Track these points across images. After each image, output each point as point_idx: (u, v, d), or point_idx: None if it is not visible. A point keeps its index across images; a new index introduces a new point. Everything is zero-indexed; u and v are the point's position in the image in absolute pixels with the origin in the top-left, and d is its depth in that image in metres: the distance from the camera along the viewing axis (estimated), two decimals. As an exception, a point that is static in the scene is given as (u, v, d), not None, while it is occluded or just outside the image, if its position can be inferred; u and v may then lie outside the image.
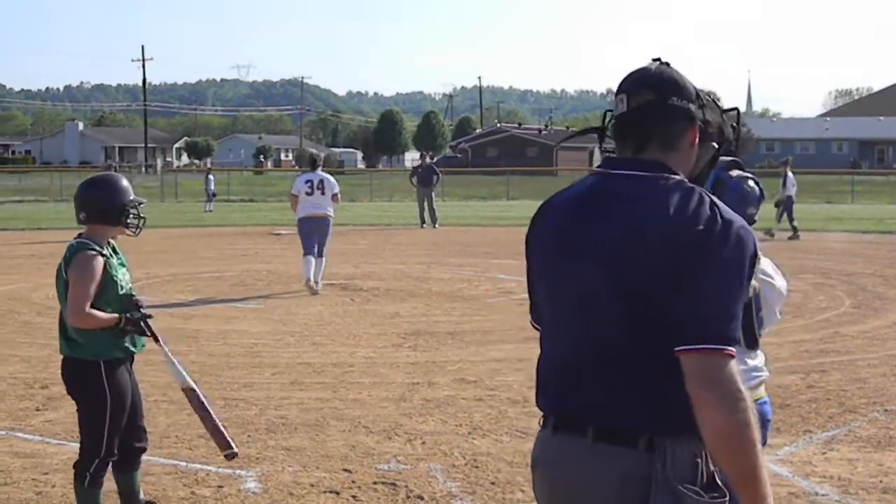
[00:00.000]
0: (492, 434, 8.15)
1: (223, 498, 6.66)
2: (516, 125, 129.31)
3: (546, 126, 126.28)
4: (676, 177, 2.86)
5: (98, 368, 5.70)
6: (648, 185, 2.85)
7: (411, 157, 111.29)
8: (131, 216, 5.87)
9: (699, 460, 2.77)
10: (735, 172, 4.55)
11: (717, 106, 3.03)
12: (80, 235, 5.90)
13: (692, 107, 2.91)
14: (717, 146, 3.04)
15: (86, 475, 5.77)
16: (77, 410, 5.99)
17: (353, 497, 6.66)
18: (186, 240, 28.48)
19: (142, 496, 6.14)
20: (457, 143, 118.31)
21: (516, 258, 21.50)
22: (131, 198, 5.88)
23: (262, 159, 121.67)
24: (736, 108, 3.18)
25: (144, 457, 7.50)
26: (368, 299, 15.73)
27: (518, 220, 36.65)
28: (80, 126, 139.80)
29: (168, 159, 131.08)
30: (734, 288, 2.70)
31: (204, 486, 6.88)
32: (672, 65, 3.00)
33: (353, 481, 6.93)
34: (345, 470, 7.20)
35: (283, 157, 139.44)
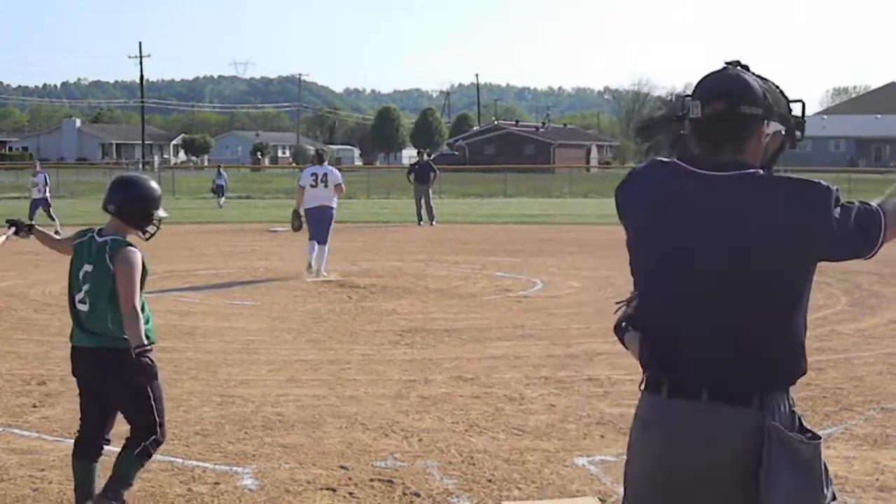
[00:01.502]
0: (488, 431, 8.15)
1: (219, 495, 6.66)
2: (514, 122, 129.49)
3: (543, 124, 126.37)
4: (755, 171, 3.26)
5: (123, 355, 5.89)
6: (738, 184, 3.24)
7: (409, 155, 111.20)
8: (151, 227, 6.18)
9: (795, 409, 3.28)
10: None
11: (784, 98, 3.37)
12: (101, 231, 6.09)
13: (760, 111, 3.27)
14: (784, 135, 3.39)
15: (140, 445, 6.02)
16: (117, 404, 6.18)
17: (350, 494, 6.66)
18: (183, 236, 28.45)
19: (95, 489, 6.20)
20: (454, 140, 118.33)
21: (513, 255, 21.53)
22: (160, 212, 6.18)
23: (260, 156, 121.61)
24: (801, 100, 3.43)
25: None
26: (365, 296, 15.73)
27: (515, 217, 36.68)
28: (78, 123, 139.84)
29: (165, 156, 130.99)
30: (854, 210, 3.22)
31: (200, 483, 6.88)
32: (743, 65, 3.36)
33: (350, 478, 6.94)
34: (341, 467, 7.21)
35: (280, 154, 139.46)
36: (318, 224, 18.10)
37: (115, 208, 6.05)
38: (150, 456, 6.13)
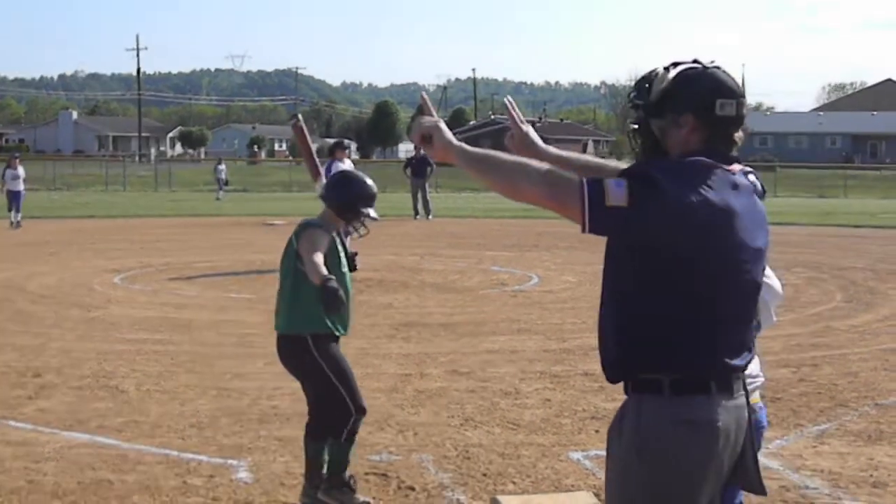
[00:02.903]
0: (484, 425, 8.16)
1: (215, 487, 6.66)
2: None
3: (540, 118, 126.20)
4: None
5: (306, 343, 6.10)
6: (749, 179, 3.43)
7: (405, 149, 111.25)
8: (359, 221, 6.36)
9: None
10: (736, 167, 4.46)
11: None
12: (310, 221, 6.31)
13: None
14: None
15: (342, 432, 6.16)
16: (303, 390, 6.38)
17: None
18: (180, 229, 28.47)
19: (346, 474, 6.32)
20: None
21: (510, 250, 21.54)
22: (369, 212, 6.38)
23: (257, 149, 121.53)
24: None
25: (136, 445, 7.53)
26: (361, 290, 15.71)
27: (512, 211, 36.65)
28: (74, 115, 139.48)
29: (162, 149, 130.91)
30: None
31: (195, 476, 6.88)
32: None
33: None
34: (337, 460, 7.20)
35: (277, 147, 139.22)
36: None
37: (328, 197, 6.34)
38: (354, 435, 6.23)
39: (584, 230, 3.17)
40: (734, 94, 3.37)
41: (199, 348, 11.11)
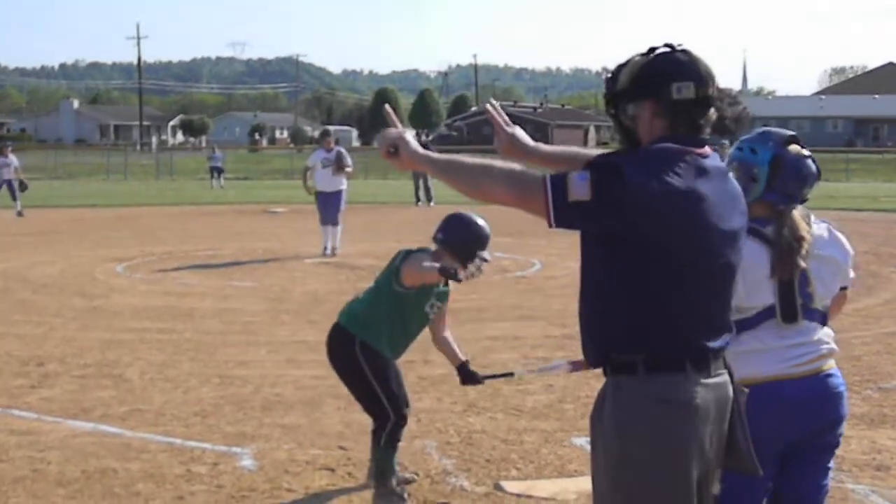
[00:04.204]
0: (487, 412, 8.17)
1: (219, 475, 6.67)
2: (512, 103, 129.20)
3: (541, 104, 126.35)
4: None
5: (353, 341, 6.17)
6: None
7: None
8: (473, 265, 6.14)
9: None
10: (793, 148, 4.23)
11: None
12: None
13: None
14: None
15: (381, 435, 6.13)
16: (347, 387, 6.39)
17: (349, 474, 6.68)
18: (182, 218, 28.47)
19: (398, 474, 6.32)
20: (452, 121, 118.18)
21: (511, 236, 21.56)
22: (484, 255, 6.20)
23: (258, 137, 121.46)
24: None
25: (139, 434, 7.55)
26: (364, 277, 15.69)
27: (513, 198, 36.64)
28: (76, 104, 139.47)
29: (163, 137, 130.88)
30: None
31: (199, 464, 6.89)
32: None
33: (349, 458, 6.95)
34: (340, 447, 7.22)
35: (278, 134, 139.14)
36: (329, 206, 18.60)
37: (443, 237, 6.25)
38: (395, 441, 6.18)
39: (549, 225, 3.23)
40: (691, 76, 3.33)
41: (202, 336, 11.12)
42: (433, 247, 6.27)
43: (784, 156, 4.14)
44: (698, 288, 3.31)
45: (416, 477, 6.52)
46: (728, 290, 3.42)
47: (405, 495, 6.17)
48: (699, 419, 3.32)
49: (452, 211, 6.44)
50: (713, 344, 3.35)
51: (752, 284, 3.97)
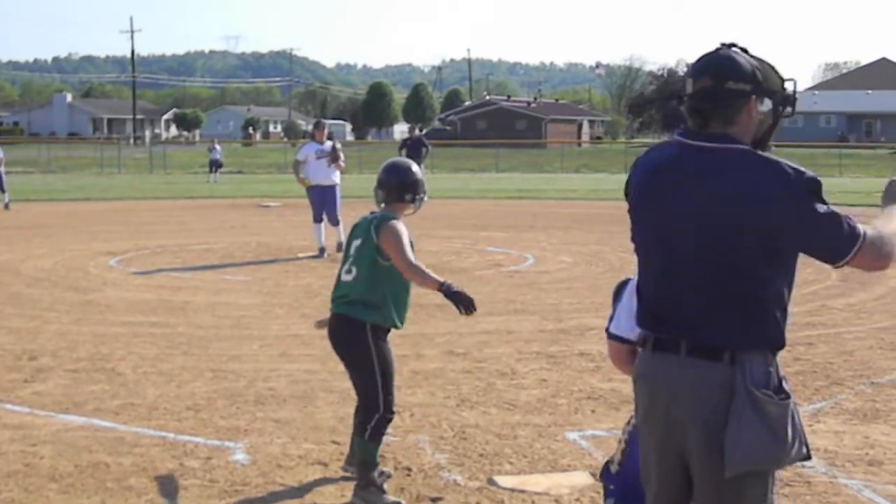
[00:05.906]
0: (480, 406, 8.17)
1: (212, 469, 6.66)
2: (505, 98, 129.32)
3: (535, 99, 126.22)
4: (739, 146, 3.45)
5: (365, 329, 6.18)
6: (718, 155, 3.45)
7: (400, 130, 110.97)
8: (417, 199, 6.87)
9: (771, 369, 3.47)
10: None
11: (778, 76, 3.56)
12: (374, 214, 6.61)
13: (748, 87, 3.46)
14: (776, 113, 3.55)
15: (366, 428, 6.13)
16: (348, 373, 6.39)
17: (342, 469, 6.67)
18: (175, 212, 28.45)
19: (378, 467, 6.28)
20: (446, 115, 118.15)
21: (505, 230, 21.54)
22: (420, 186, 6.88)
23: (251, 131, 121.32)
24: (793, 79, 3.62)
25: (132, 428, 7.54)
26: (357, 272, 15.70)
27: (507, 192, 36.69)
28: (69, 97, 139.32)
29: (157, 131, 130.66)
30: (831, 212, 3.41)
31: (192, 458, 6.88)
32: (739, 47, 3.56)
33: (342, 453, 6.93)
34: (333, 442, 7.22)
35: (272, 128, 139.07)
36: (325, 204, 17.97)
37: (384, 194, 6.75)
38: (379, 436, 6.16)
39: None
40: (691, 72, 3.57)
41: (195, 330, 11.10)
42: (381, 204, 6.76)
43: None
44: (658, 272, 3.68)
45: (392, 473, 6.49)
46: (691, 276, 3.63)
47: (385, 487, 6.17)
48: (647, 398, 3.69)
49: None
50: (675, 328, 3.61)
51: None
